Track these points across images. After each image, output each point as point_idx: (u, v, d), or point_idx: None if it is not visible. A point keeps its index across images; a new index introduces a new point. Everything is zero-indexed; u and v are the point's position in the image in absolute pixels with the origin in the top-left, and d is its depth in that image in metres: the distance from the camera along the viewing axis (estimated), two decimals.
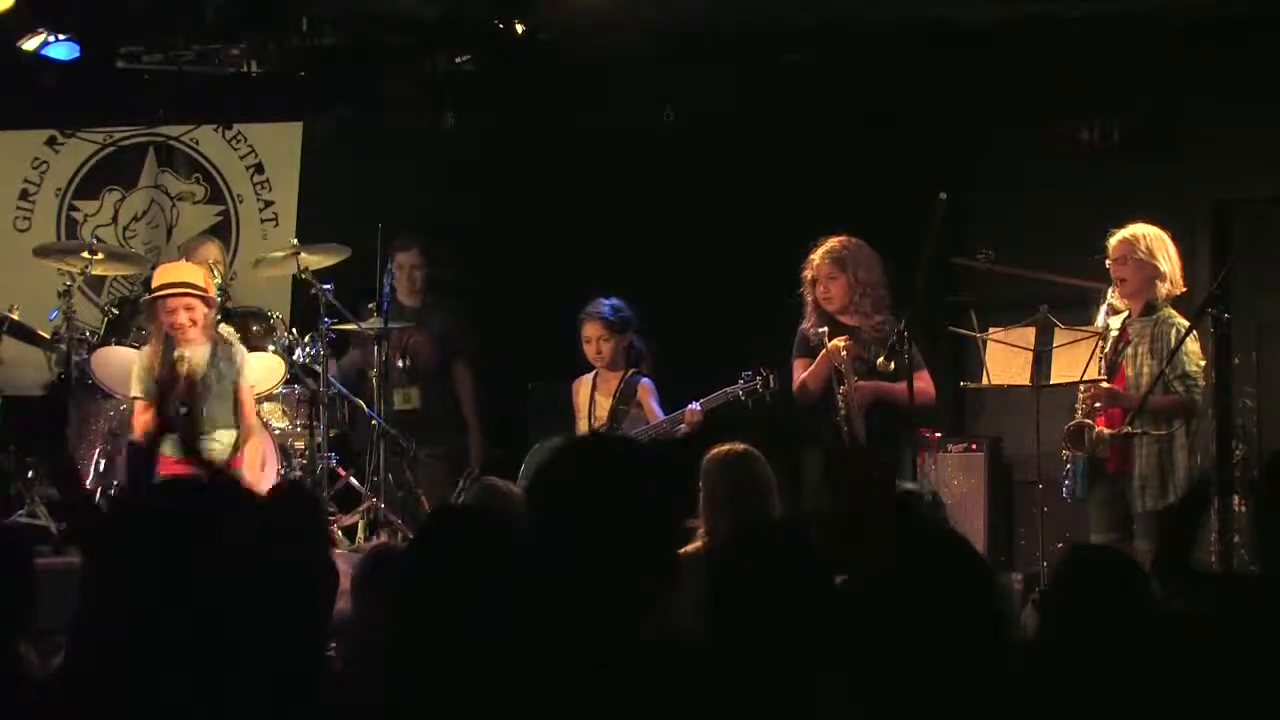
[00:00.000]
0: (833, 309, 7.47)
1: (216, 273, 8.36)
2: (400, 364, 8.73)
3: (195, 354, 7.33)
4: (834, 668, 3.49)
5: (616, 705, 2.63)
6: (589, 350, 7.99)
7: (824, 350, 7.34)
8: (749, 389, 7.62)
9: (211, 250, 8.78)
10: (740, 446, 5.99)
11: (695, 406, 7.68)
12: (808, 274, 7.51)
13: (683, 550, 5.03)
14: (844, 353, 7.26)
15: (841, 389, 7.26)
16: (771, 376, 7.60)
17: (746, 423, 7.52)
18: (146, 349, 7.49)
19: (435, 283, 9.00)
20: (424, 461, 8.66)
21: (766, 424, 7.57)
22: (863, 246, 7.50)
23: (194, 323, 7.30)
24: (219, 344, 7.44)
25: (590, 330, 7.98)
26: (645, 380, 7.97)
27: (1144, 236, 7.09)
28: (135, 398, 7.44)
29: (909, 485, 6.22)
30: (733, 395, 7.65)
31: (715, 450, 6.01)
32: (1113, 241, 7.13)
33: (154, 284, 7.53)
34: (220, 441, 7.32)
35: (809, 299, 7.52)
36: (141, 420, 7.31)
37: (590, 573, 2.72)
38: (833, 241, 7.50)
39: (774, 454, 5.94)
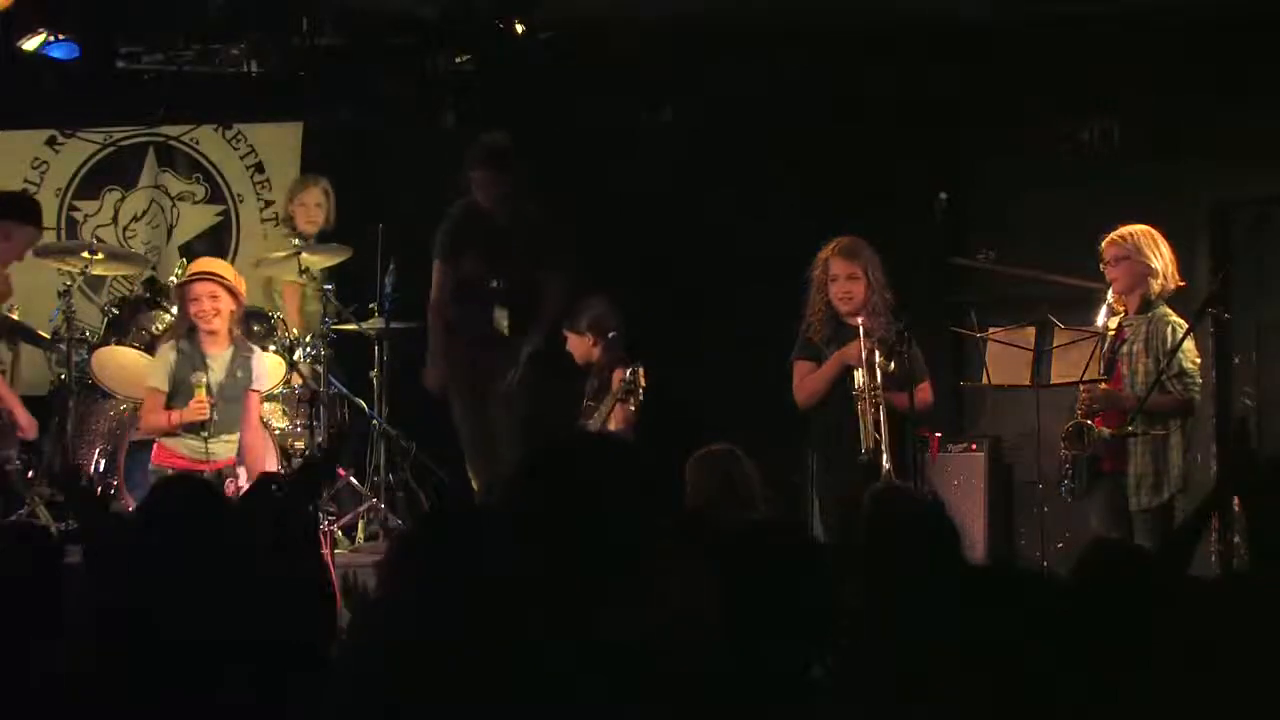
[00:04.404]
0: (849, 309, 7.27)
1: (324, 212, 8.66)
2: (494, 284, 8.27)
3: (215, 361, 7.37)
4: (835, 667, 3.50)
5: (616, 705, 2.63)
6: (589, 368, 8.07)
7: (839, 352, 7.19)
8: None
9: (315, 192, 8.93)
10: (723, 446, 5.99)
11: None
12: (820, 274, 7.34)
13: None
14: (877, 357, 7.08)
15: (872, 393, 7.05)
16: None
17: (743, 423, 7.53)
18: (169, 344, 7.46)
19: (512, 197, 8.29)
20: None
21: (763, 426, 7.58)
22: (869, 246, 7.37)
23: (217, 312, 7.34)
24: (239, 347, 7.47)
25: (573, 346, 8.04)
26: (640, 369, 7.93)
27: (1130, 235, 7.10)
28: (153, 388, 7.39)
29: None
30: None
31: (699, 450, 6.01)
32: (1102, 246, 7.14)
33: (185, 274, 7.65)
34: (227, 444, 7.36)
35: (819, 300, 7.33)
36: (153, 416, 7.34)
37: (567, 572, 2.71)
38: (844, 241, 7.33)
39: (771, 454, 5.94)
